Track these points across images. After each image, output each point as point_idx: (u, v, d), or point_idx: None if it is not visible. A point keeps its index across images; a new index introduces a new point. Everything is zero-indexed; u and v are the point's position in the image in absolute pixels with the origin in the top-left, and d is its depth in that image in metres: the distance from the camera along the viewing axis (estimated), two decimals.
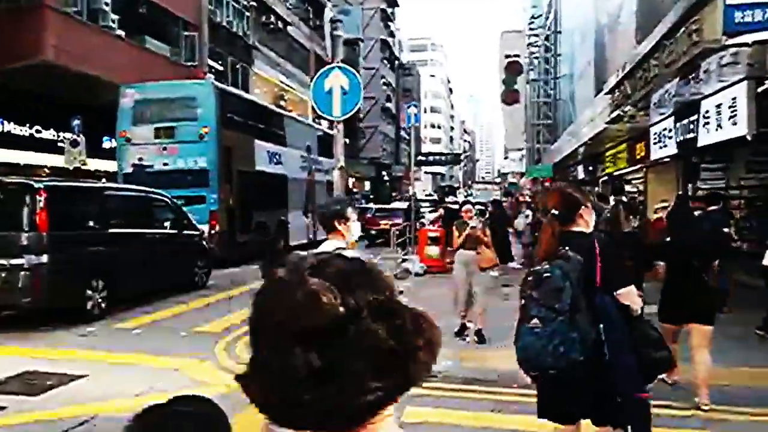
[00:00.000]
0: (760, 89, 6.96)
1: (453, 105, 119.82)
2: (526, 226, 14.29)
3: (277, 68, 28.61)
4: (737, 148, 11.63)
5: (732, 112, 8.69)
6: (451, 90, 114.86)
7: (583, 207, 2.80)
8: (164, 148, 14.11)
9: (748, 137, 8.21)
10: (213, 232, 13.41)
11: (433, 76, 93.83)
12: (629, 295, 2.68)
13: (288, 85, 30.14)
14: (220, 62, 22.52)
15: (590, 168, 23.38)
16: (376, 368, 0.69)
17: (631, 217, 5.92)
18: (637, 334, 2.68)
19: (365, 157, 49.51)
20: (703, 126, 9.96)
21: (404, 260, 12.27)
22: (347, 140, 42.32)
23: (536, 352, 2.46)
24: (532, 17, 44.48)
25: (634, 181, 18.92)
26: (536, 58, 41.22)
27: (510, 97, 40.67)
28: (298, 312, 0.69)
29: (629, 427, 2.65)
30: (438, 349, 0.76)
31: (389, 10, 55.48)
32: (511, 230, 14.59)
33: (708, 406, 4.39)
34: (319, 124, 23.68)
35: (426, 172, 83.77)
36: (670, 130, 11.80)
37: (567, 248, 2.57)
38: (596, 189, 22.70)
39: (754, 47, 6.72)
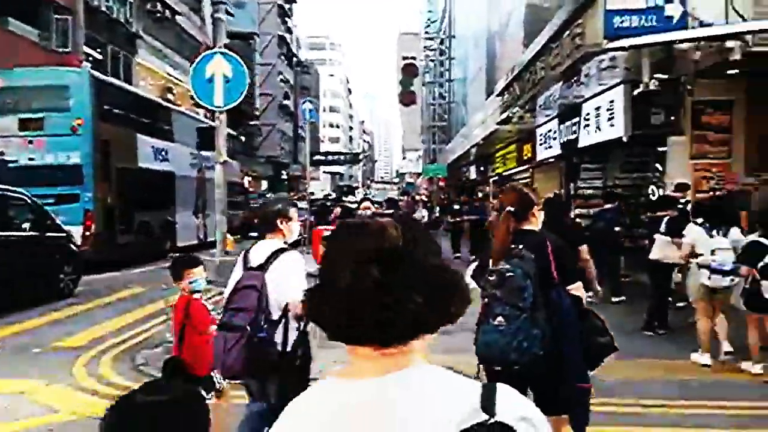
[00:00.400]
0: (635, 92, 7.34)
1: (352, 104, 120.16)
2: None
3: (164, 59, 26.92)
4: (614, 150, 12.44)
5: (610, 114, 9.20)
6: (350, 90, 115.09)
7: (535, 206, 2.98)
8: (30, 142, 12.64)
9: (624, 139, 8.72)
10: (88, 233, 12.20)
11: (332, 75, 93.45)
12: (579, 289, 2.86)
13: (177, 78, 28.47)
14: (98, 50, 20.72)
15: (482, 168, 24.23)
16: (426, 293, 0.86)
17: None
18: (587, 325, 2.84)
19: (262, 156, 48.17)
20: (584, 128, 10.51)
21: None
22: (243, 138, 41.02)
23: (500, 349, 2.55)
24: (428, 21, 45.46)
25: (521, 181, 19.84)
26: (432, 60, 42.14)
27: (407, 98, 41.33)
28: (371, 238, 0.88)
29: (570, 414, 2.78)
30: (467, 304, 0.92)
31: (287, 6, 54.43)
32: None
33: None
34: (213, 119, 22.50)
35: (325, 172, 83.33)
36: (555, 132, 12.38)
37: (521, 246, 2.69)
38: (487, 188, 23.59)
39: (630, 52, 7.09)
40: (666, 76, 6.59)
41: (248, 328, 2.71)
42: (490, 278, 2.68)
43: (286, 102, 52.13)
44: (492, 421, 0.82)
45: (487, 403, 0.84)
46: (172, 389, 1.07)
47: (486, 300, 2.69)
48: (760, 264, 5.13)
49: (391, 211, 11.00)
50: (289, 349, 2.83)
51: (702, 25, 6.70)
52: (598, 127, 9.74)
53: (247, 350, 2.69)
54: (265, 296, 2.79)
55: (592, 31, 7.08)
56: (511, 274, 2.56)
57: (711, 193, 8.49)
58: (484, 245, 5.27)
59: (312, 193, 62.28)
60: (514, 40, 17.55)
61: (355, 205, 20.51)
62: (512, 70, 12.28)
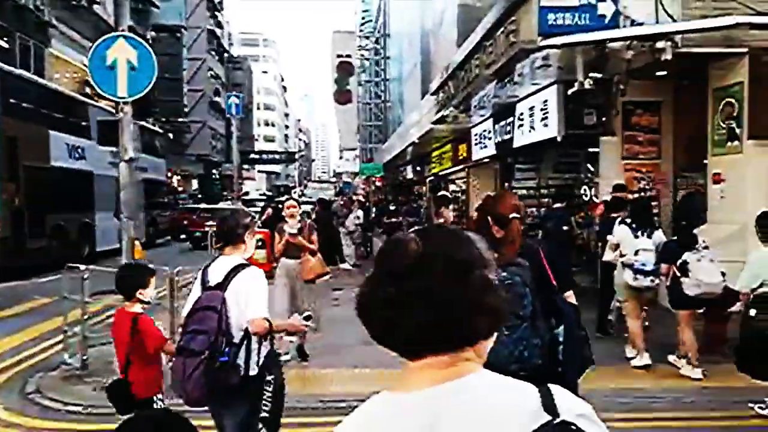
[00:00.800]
0: (569, 92, 7.23)
1: (288, 103, 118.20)
2: (357, 227, 13.99)
3: (81, 51, 25.16)
4: (547, 150, 12.51)
5: (544, 114, 9.13)
6: (285, 88, 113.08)
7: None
8: None
9: (558, 139, 8.66)
10: None
11: (265, 72, 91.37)
12: (572, 296, 2.86)
13: None
14: (5, 39, 19.06)
15: (418, 168, 24.13)
16: (435, 308, 0.89)
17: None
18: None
19: (192, 154, 46.30)
20: (518, 128, 10.43)
21: None
22: (171, 135, 39.19)
23: (502, 359, 2.46)
24: (363, 19, 45.13)
25: (458, 181, 19.83)
26: (367, 59, 41.84)
27: (343, 97, 40.83)
28: (393, 253, 0.94)
29: None
30: (498, 320, 0.97)
31: (216, 0, 52.61)
32: (343, 230, 14.22)
33: None
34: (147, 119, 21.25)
35: (260, 171, 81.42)
36: (490, 132, 12.30)
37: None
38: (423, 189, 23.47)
39: (564, 51, 6.98)
40: (600, 75, 6.50)
41: (208, 351, 2.55)
42: None
43: (216, 99, 50.35)
44: (558, 420, 0.83)
45: (549, 403, 0.85)
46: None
47: None
48: (679, 261, 5.18)
49: (412, 219, 10.76)
50: (253, 372, 2.69)
51: (633, 24, 6.65)
52: (532, 127, 9.67)
53: (208, 375, 2.55)
54: (225, 317, 2.63)
55: (527, 28, 6.91)
56: (510, 281, 2.47)
57: (641, 193, 8.57)
58: None
59: (246, 193, 60.61)
60: (447, 39, 17.47)
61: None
62: (447, 68, 12.10)
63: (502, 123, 11.34)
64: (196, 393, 2.59)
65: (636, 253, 5.50)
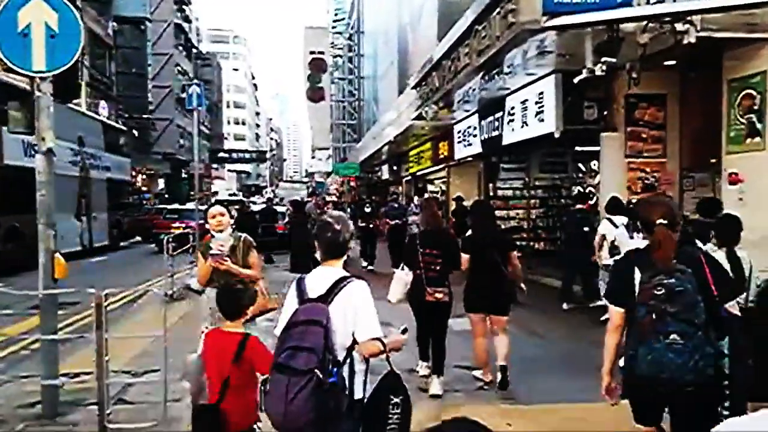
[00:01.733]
0: (576, 80, 6.42)
1: (259, 101, 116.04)
2: None
3: None
4: (534, 149, 11.76)
5: (539, 108, 8.33)
6: (256, 86, 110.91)
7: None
8: None
9: (556, 135, 7.88)
10: None
11: (236, 69, 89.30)
12: (735, 307, 2.92)
13: None
14: None
15: (395, 167, 23.26)
16: None
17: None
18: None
19: (158, 152, 44.51)
20: (508, 123, 9.63)
21: (189, 274, 10.06)
22: (136, 133, 37.52)
23: (675, 369, 2.44)
24: (336, 16, 44.13)
25: (437, 181, 19.01)
26: (340, 56, 40.85)
27: (315, 94, 39.76)
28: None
29: None
30: None
31: None
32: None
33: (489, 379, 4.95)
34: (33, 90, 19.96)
35: (230, 170, 79.44)
36: (475, 128, 11.49)
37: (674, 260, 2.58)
38: (400, 188, 22.60)
39: (566, 36, 6.18)
40: (614, 60, 5.70)
41: (316, 371, 2.28)
42: (657, 292, 2.49)
43: (184, 95, 48.48)
44: None
45: None
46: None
47: (654, 316, 2.48)
48: None
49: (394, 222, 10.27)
50: (358, 395, 2.44)
51: (650, 3, 5.87)
52: (525, 123, 8.87)
53: (316, 398, 2.28)
54: (330, 333, 2.35)
55: (528, 6, 6.08)
56: (681, 288, 2.43)
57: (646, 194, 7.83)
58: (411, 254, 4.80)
59: (215, 193, 58.76)
60: (426, 35, 16.63)
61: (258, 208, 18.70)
62: (430, 59, 11.22)
63: (490, 119, 10.54)
64: (302, 418, 2.29)
65: None
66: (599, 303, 6.95)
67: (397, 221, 11.76)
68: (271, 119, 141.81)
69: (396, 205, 12.83)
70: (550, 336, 6.69)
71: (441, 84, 11.12)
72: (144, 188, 38.50)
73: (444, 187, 17.02)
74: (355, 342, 2.39)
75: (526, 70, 8.33)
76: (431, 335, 4.90)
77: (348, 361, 2.41)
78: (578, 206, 8.13)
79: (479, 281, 4.87)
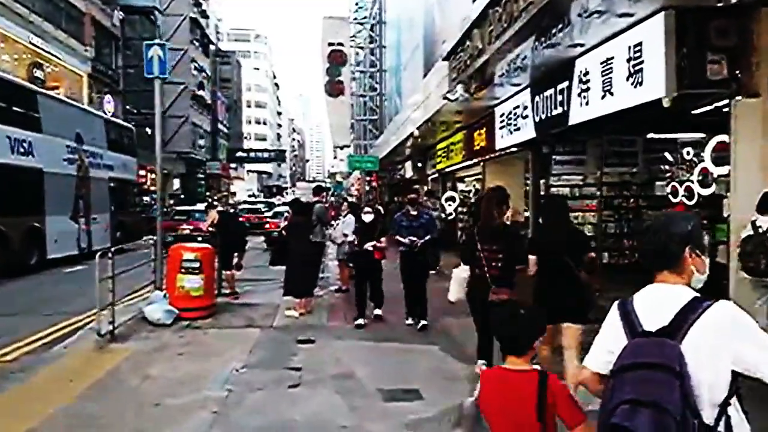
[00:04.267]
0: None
1: (281, 102, 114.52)
2: (345, 238, 9.80)
3: (29, 27, 21.68)
4: (602, 133, 9.19)
5: (634, 66, 5.76)
6: (277, 85, 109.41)
7: None
8: None
9: (666, 102, 5.30)
10: None
11: (257, 68, 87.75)
12: None
13: (48, 52, 23.24)
14: None
15: (419, 164, 20.77)
16: None
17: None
18: None
19: (173, 151, 42.72)
20: (580, 95, 7.06)
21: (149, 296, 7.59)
22: (148, 130, 35.79)
23: None
24: (357, 6, 41.88)
25: (468, 179, 16.46)
26: (360, 47, 38.56)
27: (334, 88, 37.54)
28: None
29: None
30: None
31: None
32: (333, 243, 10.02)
33: None
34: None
35: (250, 171, 77.83)
36: (526, 107, 8.94)
37: None
38: (425, 188, 20.07)
39: None
40: None
41: None
42: None
43: (200, 93, 46.86)
44: None
45: None
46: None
47: None
48: None
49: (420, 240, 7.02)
50: None
51: None
52: (608, 91, 6.31)
53: None
54: (688, 383, 1.62)
55: None
56: None
57: None
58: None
59: (234, 194, 56.94)
60: (458, 3, 14.13)
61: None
62: (468, 19, 8.74)
63: (549, 92, 7.98)
64: None
65: None
66: None
67: (412, 242, 6.90)
68: (293, 120, 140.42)
69: (414, 213, 7.25)
70: None
71: (477, 54, 8.63)
72: (152, 189, 36.62)
73: (478, 186, 14.47)
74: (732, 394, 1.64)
75: (611, 14, 5.78)
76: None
77: (724, 425, 1.64)
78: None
79: (548, 286, 4.39)
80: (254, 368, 5.25)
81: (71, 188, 15.56)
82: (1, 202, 12.29)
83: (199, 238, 9.15)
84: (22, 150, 13.20)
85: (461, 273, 4.71)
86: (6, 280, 11.21)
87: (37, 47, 22.32)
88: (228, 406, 4.31)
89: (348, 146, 45.93)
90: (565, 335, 4.36)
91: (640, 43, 5.65)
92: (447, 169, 16.63)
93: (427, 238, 7.03)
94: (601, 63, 6.43)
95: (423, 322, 6.86)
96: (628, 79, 5.87)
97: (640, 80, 5.65)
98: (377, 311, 7.34)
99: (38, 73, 22.44)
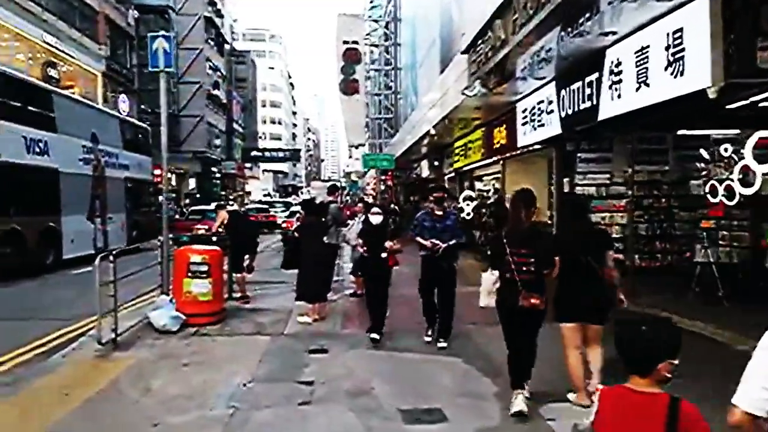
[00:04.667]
0: None
1: (296, 101, 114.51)
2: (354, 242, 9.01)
3: (42, 25, 21.61)
4: (622, 134, 8.69)
5: (674, 53, 5.29)
6: (292, 85, 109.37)
7: None
8: None
9: (712, 92, 4.83)
10: None
11: (272, 68, 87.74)
12: None
13: (62, 51, 23.17)
14: None
15: (435, 163, 20.32)
16: None
17: None
18: None
19: (188, 151, 42.72)
20: (611, 87, 6.60)
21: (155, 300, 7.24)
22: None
23: None
24: (371, 3, 41.46)
25: (486, 177, 15.98)
26: (375, 45, 38.15)
27: (350, 86, 37.16)
28: None
29: None
30: None
31: None
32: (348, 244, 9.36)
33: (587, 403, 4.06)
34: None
35: (265, 171, 77.77)
36: (551, 102, 8.48)
37: None
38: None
39: None
40: None
41: None
42: None
43: (216, 92, 46.80)
44: None
45: None
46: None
47: None
48: None
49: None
50: None
51: None
52: (643, 82, 5.85)
53: None
54: None
55: None
56: None
57: None
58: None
59: (249, 193, 56.73)
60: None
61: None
62: (488, 13, 8.29)
63: (576, 85, 7.52)
64: None
65: None
66: None
67: (434, 245, 5.94)
68: (308, 119, 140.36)
69: (439, 213, 6.18)
70: None
71: (500, 45, 8.19)
72: (160, 187, 36.60)
73: (497, 185, 14.00)
74: None
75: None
76: (522, 345, 4.37)
77: None
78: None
79: (571, 286, 4.38)
80: (262, 382, 4.87)
81: (87, 188, 15.54)
82: (18, 202, 12.28)
83: (214, 239, 8.84)
84: (37, 150, 13.18)
85: (491, 278, 4.47)
86: (22, 280, 11.19)
87: (51, 46, 22.26)
88: (232, 427, 3.94)
89: (363, 145, 45.56)
90: (589, 334, 4.41)
91: (680, 29, 5.18)
92: (465, 168, 16.18)
93: (452, 242, 5.99)
94: (636, 52, 5.97)
95: (442, 343, 5.98)
96: (666, 69, 5.40)
97: (681, 69, 5.18)
98: (374, 335, 6.22)
99: (52, 72, 22.39)
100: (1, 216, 11.86)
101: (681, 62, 5.18)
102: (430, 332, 6.31)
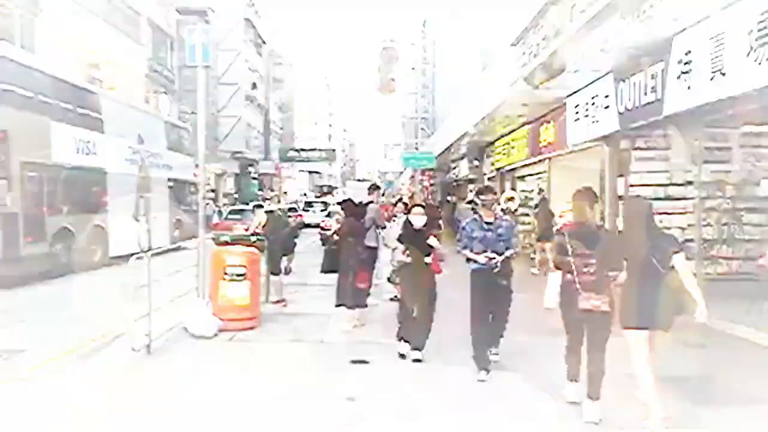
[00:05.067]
0: None
1: (332, 101, 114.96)
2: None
3: (87, 27, 21.96)
4: (687, 130, 8.04)
5: (759, 37, 4.74)
6: (329, 86, 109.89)
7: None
8: None
9: None
10: None
11: (309, 68, 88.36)
12: None
13: (106, 53, 23.51)
14: None
15: (475, 162, 19.78)
16: None
17: None
18: None
19: (226, 151, 43.16)
20: (679, 77, 6.05)
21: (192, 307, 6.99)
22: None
23: None
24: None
25: (529, 178, 15.38)
26: (412, 44, 37.81)
27: (386, 87, 36.91)
28: None
29: None
30: None
31: None
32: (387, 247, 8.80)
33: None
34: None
35: (301, 170, 78.12)
36: (606, 96, 7.92)
37: None
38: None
39: None
40: None
41: None
42: None
43: (253, 93, 47.18)
44: None
45: None
46: None
47: None
48: None
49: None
50: None
51: None
52: (719, 71, 5.28)
53: None
54: None
55: None
56: None
57: None
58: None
59: (285, 193, 57.07)
60: None
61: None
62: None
63: (637, 78, 6.97)
64: None
65: None
66: None
67: (490, 259, 5.13)
68: (344, 119, 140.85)
69: (489, 221, 5.32)
70: None
71: (554, 35, 7.69)
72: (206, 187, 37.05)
73: (542, 186, 13.41)
74: None
75: None
76: (587, 350, 4.20)
77: None
78: None
79: (637, 290, 4.05)
80: (298, 398, 4.53)
81: (132, 188, 15.64)
82: (68, 201, 12.60)
83: (253, 239, 8.63)
84: (86, 151, 13.55)
85: (558, 278, 4.34)
86: (71, 277, 11.44)
87: (95, 48, 22.63)
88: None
89: (398, 145, 45.25)
90: (655, 341, 4.20)
91: (765, 12, 4.62)
92: (507, 168, 15.63)
93: (508, 253, 5.18)
94: (711, 38, 5.41)
95: (495, 356, 5.37)
96: (749, 55, 4.85)
97: (767, 54, 4.63)
98: (416, 354, 5.50)
99: (96, 74, 22.75)
100: (54, 215, 12.13)
101: (767, 47, 4.63)
102: (483, 374, 5.11)
